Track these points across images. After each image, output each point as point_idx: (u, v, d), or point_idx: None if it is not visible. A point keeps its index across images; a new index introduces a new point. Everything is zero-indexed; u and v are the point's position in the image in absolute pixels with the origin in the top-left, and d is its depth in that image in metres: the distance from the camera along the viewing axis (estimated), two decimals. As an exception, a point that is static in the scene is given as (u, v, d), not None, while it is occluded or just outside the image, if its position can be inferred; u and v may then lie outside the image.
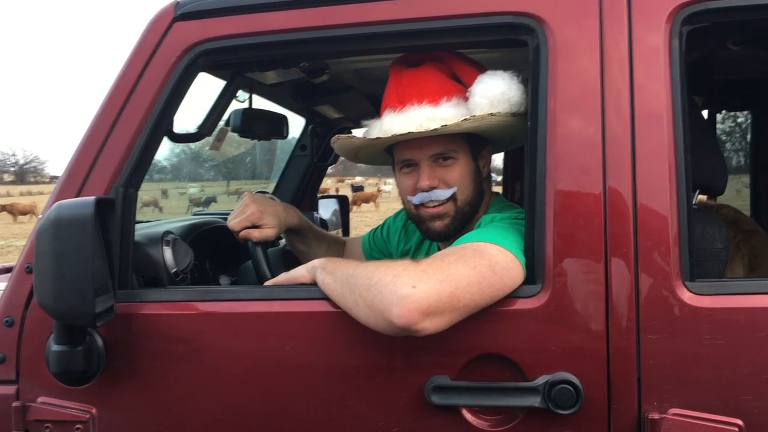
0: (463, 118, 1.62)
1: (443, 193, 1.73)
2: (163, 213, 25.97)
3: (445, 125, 1.61)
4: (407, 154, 1.76)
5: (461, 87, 1.73)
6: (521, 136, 1.70)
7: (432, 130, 1.63)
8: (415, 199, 1.77)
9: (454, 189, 1.74)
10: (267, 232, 1.86)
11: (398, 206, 2.06)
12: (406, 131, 1.65)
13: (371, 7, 1.54)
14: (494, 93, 1.63)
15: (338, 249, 2.26)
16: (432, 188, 1.73)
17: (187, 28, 1.61)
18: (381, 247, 2.22)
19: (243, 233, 1.84)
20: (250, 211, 1.84)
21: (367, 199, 30.49)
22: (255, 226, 1.85)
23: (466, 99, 1.70)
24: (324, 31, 1.56)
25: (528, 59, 1.51)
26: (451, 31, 1.53)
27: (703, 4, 1.41)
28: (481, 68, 1.76)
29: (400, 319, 1.28)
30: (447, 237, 1.78)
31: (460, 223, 1.76)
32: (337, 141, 1.85)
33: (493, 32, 1.52)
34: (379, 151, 1.86)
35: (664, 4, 1.42)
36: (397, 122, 1.69)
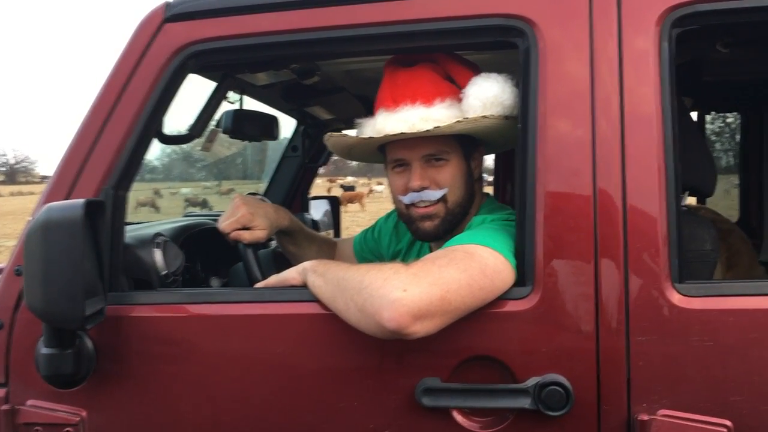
0: (456, 120, 1.63)
1: (434, 194, 1.74)
2: (159, 213, 25.81)
3: (438, 126, 1.62)
4: (399, 153, 1.76)
5: (455, 88, 1.73)
6: (513, 138, 1.70)
7: (424, 131, 1.63)
8: (406, 199, 1.77)
9: (445, 190, 1.74)
10: (258, 234, 1.86)
11: (388, 207, 2.06)
12: (399, 131, 1.65)
13: (361, 9, 1.54)
14: (487, 95, 1.63)
15: (329, 250, 2.25)
16: (423, 189, 1.73)
17: (178, 29, 1.60)
18: (372, 248, 2.22)
19: (233, 235, 1.84)
20: (241, 213, 1.84)
21: (352, 199, 27.88)
22: (246, 228, 1.84)
23: (459, 100, 1.70)
24: (315, 33, 1.56)
25: (518, 61, 1.51)
26: (441, 34, 1.53)
27: (692, 7, 1.42)
28: (476, 69, 1.76)
29: (391, 322, 1.28)
30: (436, 237, 1.79)
31: (449, 224, 1.77)
32: (330, 139, 1.85)
33: (483, 34, 1.52)
34: (371, 149, 1.86)
35: (653, 7, 1.43)
36: (390, 122, 1.69)
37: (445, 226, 1.77)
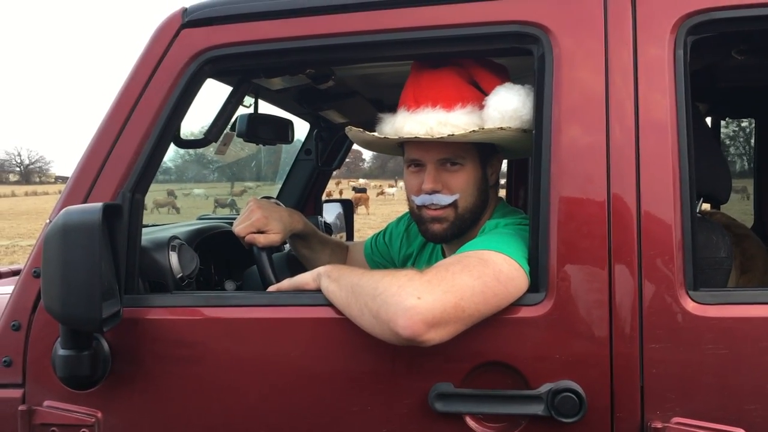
0: (471, 130, 1.63)
1: (445, 199, 1.74)
2: (171, 214, 25.98)
3: (452, 134, 1.62)
4: (415, 154, 1.77)
5: (478, 93, 1.72)
6: (531, 147, 1.70)
7: (438, 138, 1.63)
8: (418, 200, 1.78)
9: (457, 196, 1.74)
10: (272, 238, 1.87)
11: (399, 210, 2.06)
12: (415, 134, 1.66)
13: (378, 16, 1.55)
14: (507, 108, 1.62)
15: (341, 254, 2.26)
16: (435, 192, 1.74)
17: (195, 35, 1.61)
18: (383, 251, 2.22)
19: (248, 238, 1.85)
20: (256, 216, 1.85)
21: (358, 202, 27.35)
22: (260, 232, 1.86)
23: (481, 107, 1.69)
24: (331, 39, 1.57)
25: (533, 68, 1.52)
26: (457, 40, 1.53)
27: (708, 14, 1.42)
28: (503, 75, 1.75)
29: (406, 330, 1.28)
30: (444, 240, 1.81)
31: (458, 229, 1.77)
32: (350, 131, 1.86)
33: (499, 41, 1.53)
34: (391, 144, 1.86)
35: (669, 15, 1.42)
36: (409, 123, 1.70)
37: (453, 231, 1.77)
